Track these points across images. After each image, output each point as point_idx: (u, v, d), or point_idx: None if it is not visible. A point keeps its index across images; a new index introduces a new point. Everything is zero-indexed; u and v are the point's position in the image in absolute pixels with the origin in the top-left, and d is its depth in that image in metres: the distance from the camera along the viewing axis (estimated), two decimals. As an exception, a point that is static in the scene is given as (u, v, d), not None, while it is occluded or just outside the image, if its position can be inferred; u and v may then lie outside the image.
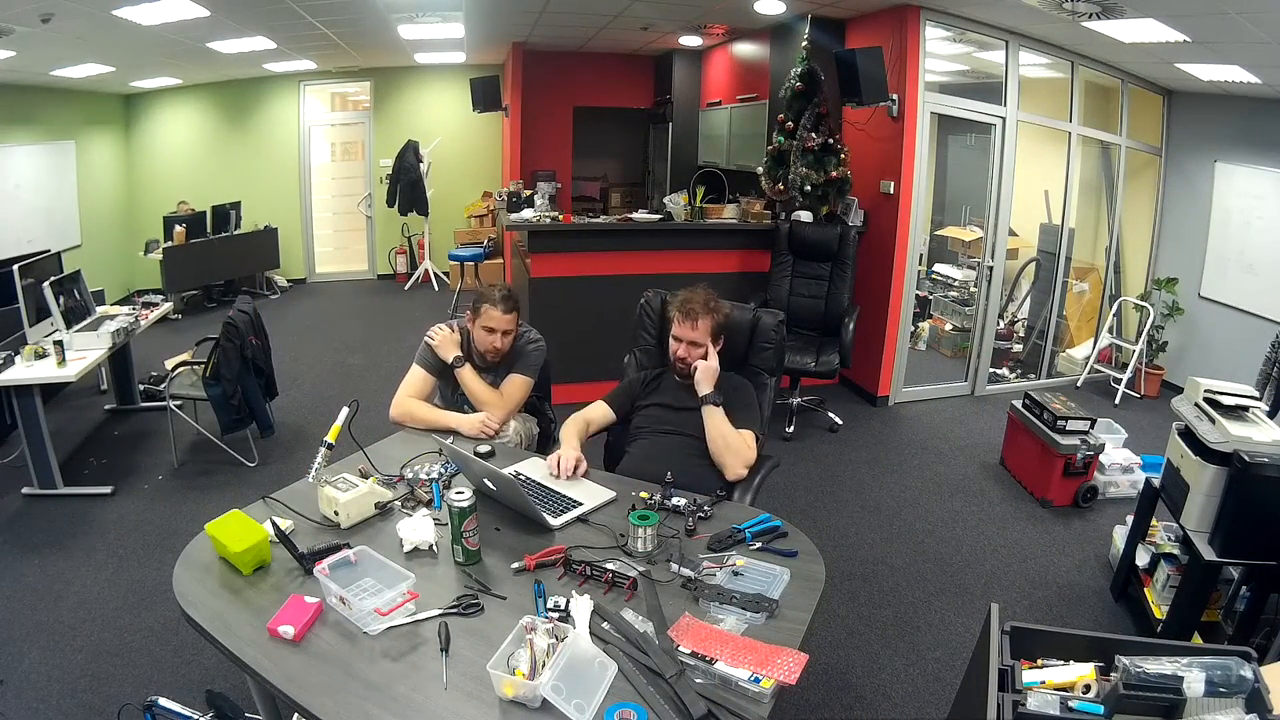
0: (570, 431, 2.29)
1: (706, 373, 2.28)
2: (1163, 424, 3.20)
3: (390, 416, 2.43)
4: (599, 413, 2.42)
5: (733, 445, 2.19)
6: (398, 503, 1.91)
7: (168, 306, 4.68)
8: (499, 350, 2.49)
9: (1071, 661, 1.31)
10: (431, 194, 8.04)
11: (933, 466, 4.12)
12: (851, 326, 4.40)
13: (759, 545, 1.75)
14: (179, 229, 6.93)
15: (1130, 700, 1.19)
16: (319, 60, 7.42)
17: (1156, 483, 2.83)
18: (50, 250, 4.78)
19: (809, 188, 4.69)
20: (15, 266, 3.68)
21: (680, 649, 1.37)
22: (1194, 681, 1.17)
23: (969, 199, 6.13)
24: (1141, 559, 2.87)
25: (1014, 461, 4.04)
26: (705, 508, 1.89)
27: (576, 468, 2.09)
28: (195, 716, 1.90)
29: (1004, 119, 4.81)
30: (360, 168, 8.81)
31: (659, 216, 5.03)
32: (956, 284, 6.08)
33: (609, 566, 1.61)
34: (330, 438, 1.91)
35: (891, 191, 4.71)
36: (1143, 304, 5.46)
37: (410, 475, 2.04)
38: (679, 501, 1.91)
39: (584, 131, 8.82)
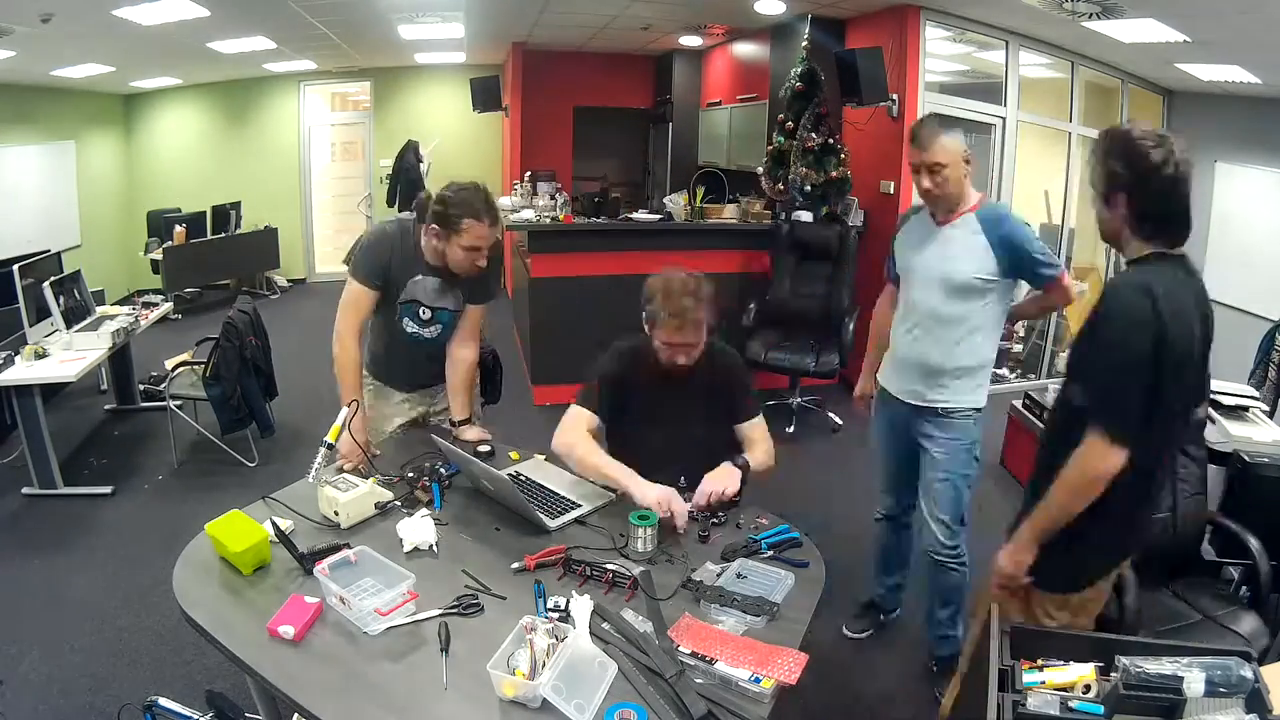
0: (600, 457, 1.99)
1: (725, 480, 1.89)
2: (1163, 424, 3.19)
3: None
4: (591, 422, 2.09)
5: (770, 455, 2.06)
6: (398, 503, 1.91)
7: (168, 306, 4.68)
8: (480, 270, 2.14)
9: (1071, 661, 1.31)
10: (432, 194, 8.04)
11: (933, 466, 4.11)
12: (851, 326, 4.39)
13: (772, 554, 1.72)
14: (179, 229, 6.92)
15: (1130, 700, 1.19)
16: (319, 60, 7.42)
17: (1156, 483, 2.82)
18: (50, 250, 4.77)
19: (809, 188, 4.68)
20: (15, 266, 3.69)
21: (680, 649, 1.37)
22: (1194, 681, 1.17)
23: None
24: (1141, 559, 2.86)
25: (1014, 462, 4.03)
26: (719, 514, 1.85)
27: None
28: (195, 716, 1.90)
29: (1004, 119, 4.80)
30: (360, 168, 8.80)
31: (659, 216, 5.03)
32: (956, 284, 6.07)
33: (609, 566, 1.61)
34: (330, 438, 1.91)
35: (891, 191, 4.71)
36: (1143, 304, 5.45)
37: (410, 475, 2.04)
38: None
39: (584, 131, 8.81)
